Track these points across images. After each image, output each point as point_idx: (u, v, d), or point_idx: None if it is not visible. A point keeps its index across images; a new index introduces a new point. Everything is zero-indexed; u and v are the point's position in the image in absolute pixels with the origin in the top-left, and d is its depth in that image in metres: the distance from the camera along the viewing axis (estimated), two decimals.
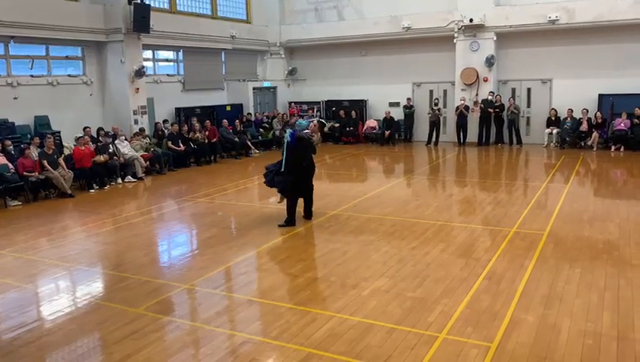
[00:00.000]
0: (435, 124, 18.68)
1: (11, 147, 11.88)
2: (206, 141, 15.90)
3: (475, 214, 9.37)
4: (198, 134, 15.71)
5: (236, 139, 17.05)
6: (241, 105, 19.61)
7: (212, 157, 16.00)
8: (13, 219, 9.94)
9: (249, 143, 17.44)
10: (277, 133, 18.53)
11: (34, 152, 11.72)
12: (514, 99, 17.82)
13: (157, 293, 6.06)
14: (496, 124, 17.97)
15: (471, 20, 17.41)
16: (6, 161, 11.30)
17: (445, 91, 19.33)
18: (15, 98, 13.36)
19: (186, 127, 15.73)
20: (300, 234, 8.32)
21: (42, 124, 13.73)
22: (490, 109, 17.69)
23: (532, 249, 7.16)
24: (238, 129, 17.47)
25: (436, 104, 18.78)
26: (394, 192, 11.52)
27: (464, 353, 4.50)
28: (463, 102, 18.00)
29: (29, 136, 12.94)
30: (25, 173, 11.21)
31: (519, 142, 17.81)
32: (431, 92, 19.54)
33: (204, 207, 10.48)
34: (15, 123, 13.06)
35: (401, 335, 4.84)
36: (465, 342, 4.69)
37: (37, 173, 11.39)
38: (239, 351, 4.69)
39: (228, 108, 19.09)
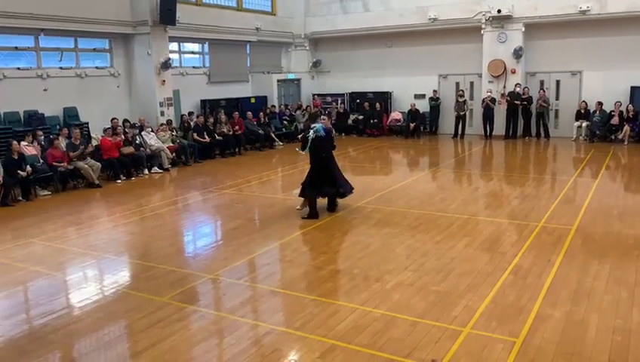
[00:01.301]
0: (460, 117, 18.45)
1: (42, 137, 12.12)
2: (231, 133, 15.98)
3: (502, 208, 9.23)
4: (224, 127, 15.79)
5: (260, 131, 17.11)
6: (266, 97, 19.67)
7: (237, 150, 16.08)
8: (42, 209, 10.16)
9: (273, 135, 17.49)
10: (300, 125, 18.52)
11: (62, 143, 11.95)
12: (544, 92, 17.45)
13: (182, 283, 6.13)
14: (524, 117, 17.66)
15: (499, 11, 17.10)
16: (36, 152, 11.54)
17: (472, 83, 19.04)
18: (45, 90, 13.62)
19: (211, 119, 15.83)
20: (323, 226, 8.31)
21: (71, 115, 13.98)
22: (517, 101, 17.39)
23: (559, 244, 7.03)
24: (262, 121, 17.52)
25: (461, 95, 18.51)
26: (418, 185, 11.44)
27: (489, 348, 4.45)
28: (489, 94, 17.73)
29: (58, 127, 13.19)
30: (54, 163, 11.44)
31: (547, 135, 17.48)
32: (457, 84, 19.27)
33: (228, 199, 10.55)
34: (45, 114, 13.35)
35: (424, 328, 4.81)
36: (490, 336, 4.63)
37: (65, 164, 11.61)
38: (263, 341, 4.72)
39: (252, 100, 19.16)
